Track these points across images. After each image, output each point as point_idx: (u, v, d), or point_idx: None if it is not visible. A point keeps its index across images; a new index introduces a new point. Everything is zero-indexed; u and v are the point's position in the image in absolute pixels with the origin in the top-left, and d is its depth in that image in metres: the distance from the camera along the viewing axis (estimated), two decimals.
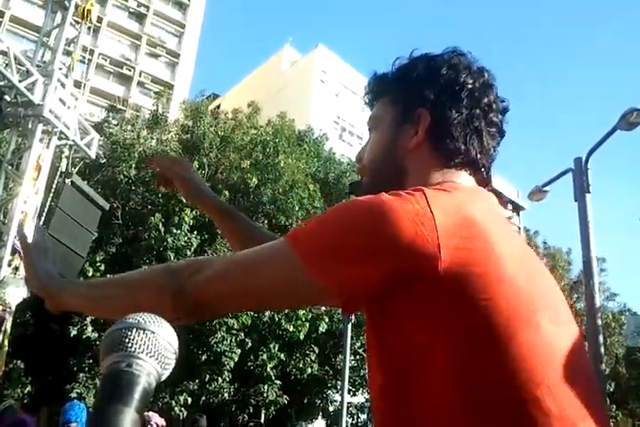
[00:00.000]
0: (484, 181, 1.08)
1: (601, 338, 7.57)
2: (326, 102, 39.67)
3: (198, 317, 1.01)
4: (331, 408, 16.21)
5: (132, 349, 0.75)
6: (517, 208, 47.19)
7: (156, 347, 0.77)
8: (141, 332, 0.77)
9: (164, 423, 5.02)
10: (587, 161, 8.31)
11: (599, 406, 0.90)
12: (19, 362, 13.99)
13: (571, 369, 0.86)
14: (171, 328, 0.81)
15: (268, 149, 19.39)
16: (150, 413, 5.03)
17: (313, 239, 0.90)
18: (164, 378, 0.80)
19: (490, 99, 1.06)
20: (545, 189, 9.65)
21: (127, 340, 0.76)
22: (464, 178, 1.04)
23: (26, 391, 14.19)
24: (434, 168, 1.03)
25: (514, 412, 0.82)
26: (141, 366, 0.75)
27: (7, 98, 8.68)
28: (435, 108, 1.04)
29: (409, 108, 1.06)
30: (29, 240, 1.19)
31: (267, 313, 15.78)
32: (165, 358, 0.78)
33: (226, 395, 15.23)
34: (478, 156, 1.04)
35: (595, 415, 0.86)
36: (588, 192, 8.14)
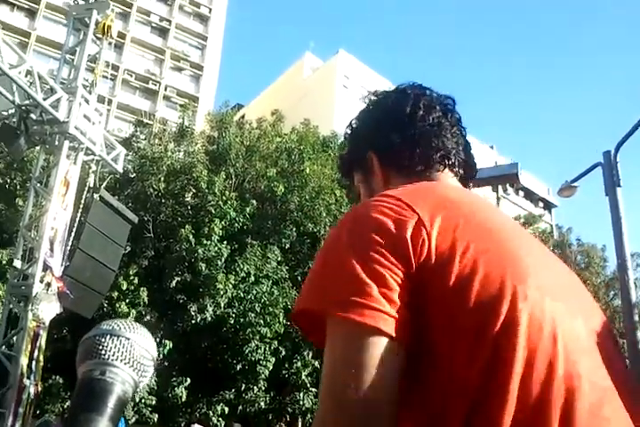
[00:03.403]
0: (465, 178, 1.13)
1: (639, 335, 7.37)
2: (350, 107, 39.66)
3: None
4: None
5: (106, 356, 0.73)
6: (549, 205, 46.51)
7: (131, 354, 0.75)
8: (115, 338, 0.75)
9: None
10: (616, 154, 8.15)
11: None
12: (57, 377, 14.24)
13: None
14: (148, 334, 0.79)
15: (293, 157, 19.47)
16: (196, 425, 5.05)
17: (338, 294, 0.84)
18: (142, 385, 0.78)
19: (410, 103, 1.12)
20: (575, 184, 9.48)
21: (101, 347, 0.74)
22: (447, 180, 1.09)
23: (65, 406, 14.41)
24: (416, 182, 1.07)
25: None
26: (115, 374, 0.73)
27: (33, 116, 8.86)
28: (374, 145, 1.12)
29: (364, 161, 1.14)
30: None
31: None
32: (142, 366, 0.76)
33: (262, 404, 15.24)
34: (438, 154, 1.09)
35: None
36: (619, 186, 7.97)
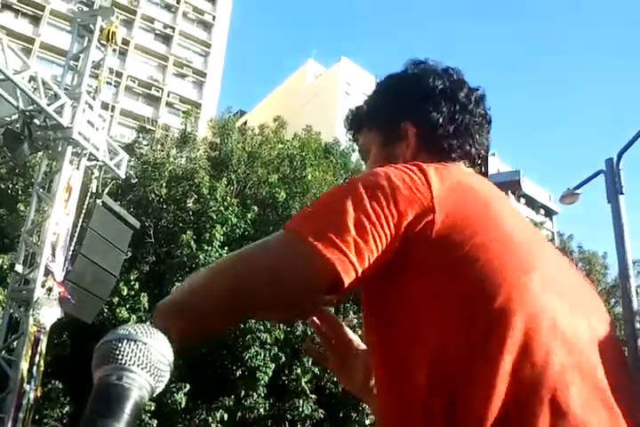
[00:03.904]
0: (482, 173, 1.13)
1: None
2: None
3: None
4: (367, 421, 16.00)
5: (123, 361, 0.73)
6: (550, 212, 46.46)
7: (148, 359, 0.74)
8: (132, 343, 0.74)
9: None
10: (618, 162, 8.16)
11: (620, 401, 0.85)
12: (57, 382, 14.18)
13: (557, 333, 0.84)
14: (165, 339, 0.78)
15: (295, 163, 19.48)
16: None
17: (314, 219, 0.90)
18: (158, 391, 0.78)
19: (464, 92, 1.10)
20: (577, 191, 9.48)
21: (118, 352, 0.74)
22: (462, 166, 1.09)
23: (65, 411, 14.36)
24: None
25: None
26: (133, 380, 0.72)
27: (36, 122, 8.87)
28: (416, 117, 1.09)
29: (392, 126, 1.11)
30: None
31: (299, 327, 15.74)
32: (159, 371, 0.76)
33: (261, 410, 15.17)
34: (473, 148, 1.09)
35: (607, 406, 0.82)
36: (621, 193, 7.97)
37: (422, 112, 1.09)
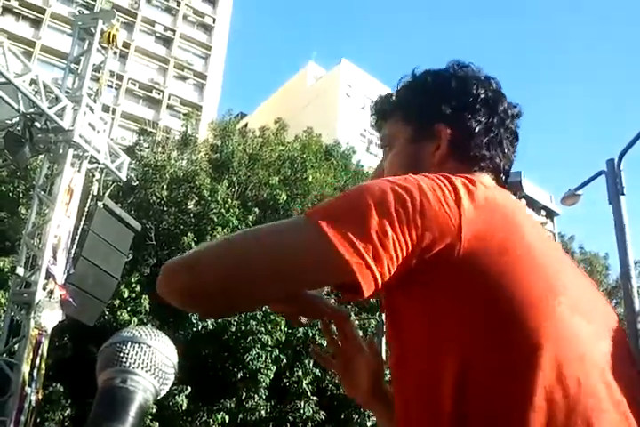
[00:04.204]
0: (504, 187, 1.09)
1: None
2: (352, 116, 39.79)
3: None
4: (369, 423, 15.98)
5: (127, 364, 0.73)
6: (551, 214, 46.41)
7: (152, 362, 0.75)
8: (137, 346, 0.74)
9: None
10: (619, 162, 8.15)
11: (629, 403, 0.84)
12: (58, 385, 14.17)
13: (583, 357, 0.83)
14: (169, 342, 0.79)
15: (296, 165, 19.49)
16: None
17: (336, 214, 0.85)
18: (163, 394, 0.78)
19: (504, 106, 1.08)
20: (578, 192, 9.47)
21: (122, 354, 0.74)
22: (486, 178, 1.05)
23: (66, 414, 14.35)
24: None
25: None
26: (137, 382, 0.73)
27: (38, 124, 8.88)
28: (453, 121, 1.05)
29: (425, 124, 1.07)
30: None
31: (300, 329, 15.73)
32: (163, 373, 0.76)
33: (263, 412, 15.15)
34: (501, 162, 1.07)
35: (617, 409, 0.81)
36: (623, 194, 7.96)
37: (460, 118, 1.05)
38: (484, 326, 0.83)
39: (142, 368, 0.74)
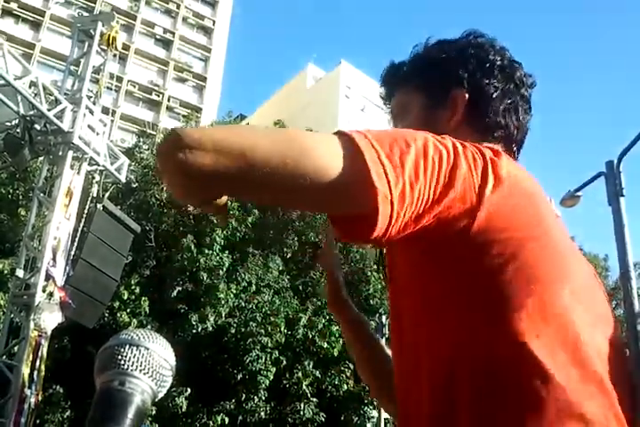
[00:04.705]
0: (515, 158, 1.08)
1: None
2: (352, 117, 39.81)
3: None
4: (368, 425, 16.00)
5: (125, 366, 0.73)
6: None
7: (150, 364, 0.75)
8: (134, 348, 0.75)
9: None
10: (619, 164, 8.14)
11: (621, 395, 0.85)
12: (58, 387, 14.17)
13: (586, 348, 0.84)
14: (167, 344, 0.79)
15: None
16: None
17: (379, 137, 0.79)
18: (160, 396, 0.78)
19: (520, 73, 1.07)
20: (577, 194, 9.47)
21: (120, 357, 0.74)
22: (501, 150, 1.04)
23: (66, 416, 14.34)
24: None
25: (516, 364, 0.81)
26: (135, 384, 0.73)
27: (37, 127, 8.87)
28: (470, 87, 1.04)
29: (441, 90, 1.05)
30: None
31: (300, 331, 15.73)
32: (161, 376, 0.76)
33: (262, 414, 15.14)
34: (515, 130, 1.05)
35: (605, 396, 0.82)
36: (622, 195, 7.96)
37: (477, 83, 1.04)
38: (482, 304, 0.83)
39: (140, 371, 0.74)
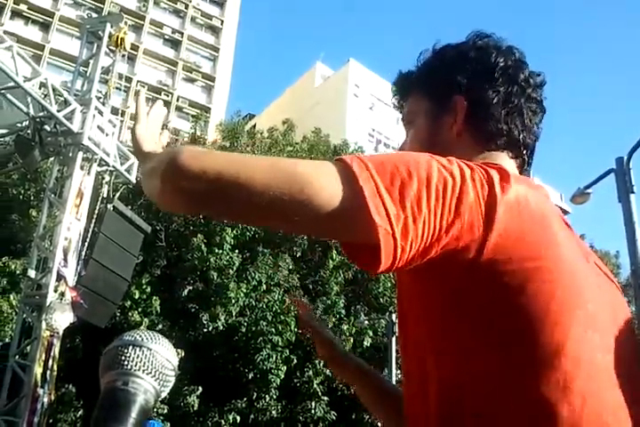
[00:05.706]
0: (526, 163, 1.06)
1: None
2: (361, 116, 39.74)
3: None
4: (379, 424, 16.02)
5: (129, 366, 0.75)
6: (562, 212, 46.19)
7: (153, 364, 0.76)
8: (138, 349, 0.76)
9: None
10: (629, 161, 8.10)
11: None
12: (70, 386, 14.27)
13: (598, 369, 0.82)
14: (169, 345, 0.80)
15: None
16: None
17: (378, 165, 0.77)
18: (163, 395, 0.79)
19: (525, 74, 1.04)
20: (588, 191, 9.41)
21: (123, 357, 0.76)
22: (506, 162, 1.00)
23: (78, 415, 14.44)
24: (476, 153, 1.00)
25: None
26: (138, 384, 0.74)
27: (47, 128, 8.95)
28: (469, 92, 1.02)
29: (443, 97, 1.04)
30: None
31: None
32: (164, 376, 0.78)
33: (274, 412, 15.18)
34: (521, 134, 1.02)
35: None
36: (632, 192, 7.91)
37: (478, 88, 1.02)
38: (498, 337, 0.81)
39: (143, 371, 0.75)
